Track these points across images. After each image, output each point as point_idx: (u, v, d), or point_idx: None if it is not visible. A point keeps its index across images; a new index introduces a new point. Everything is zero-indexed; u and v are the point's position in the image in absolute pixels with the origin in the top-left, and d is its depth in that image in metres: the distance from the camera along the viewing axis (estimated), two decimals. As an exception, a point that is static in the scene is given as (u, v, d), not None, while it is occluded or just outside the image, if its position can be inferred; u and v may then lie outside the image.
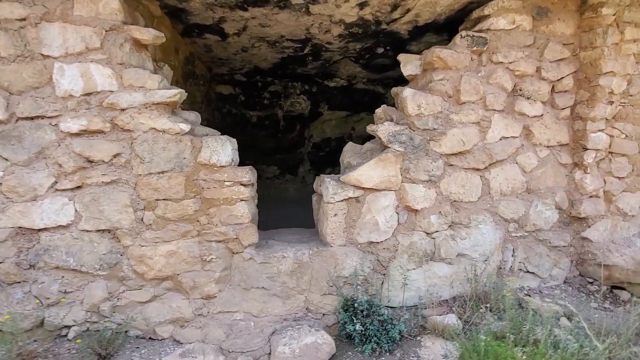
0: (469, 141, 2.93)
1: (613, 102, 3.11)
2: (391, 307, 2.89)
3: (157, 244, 2.49)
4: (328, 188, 2.71)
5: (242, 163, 2.67)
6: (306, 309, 2.72)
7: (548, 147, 3.18)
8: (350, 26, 3.64)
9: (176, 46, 3.64)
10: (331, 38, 3.92)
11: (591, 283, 3.27)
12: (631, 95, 3.17)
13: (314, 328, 2.55)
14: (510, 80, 3.01)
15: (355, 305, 2.57)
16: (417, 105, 2.81)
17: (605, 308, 2.95)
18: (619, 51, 3.06)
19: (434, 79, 2.89)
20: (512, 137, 3.06)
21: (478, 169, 3.01)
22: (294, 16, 3.35)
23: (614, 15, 3.01)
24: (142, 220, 2.46)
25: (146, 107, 2.38)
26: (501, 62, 2.97)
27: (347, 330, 2.52)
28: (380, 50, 4.37)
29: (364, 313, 2.56)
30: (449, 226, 2.98)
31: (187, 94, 2.66)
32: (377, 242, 2.83)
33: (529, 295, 3.00)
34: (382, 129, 2.79)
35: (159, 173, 2.43)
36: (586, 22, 3.09)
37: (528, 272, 3.21)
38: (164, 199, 2.45)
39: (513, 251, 3.17)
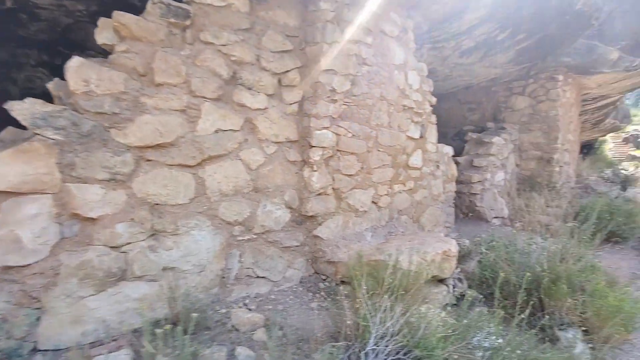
0: (171, 132, 2.44)
1: (337, 100, 3.15)
2: (54, 351, 2.14)
3: None
4: None
5: None
6: None
7: (276, 143, 3.00)
8: (43, -27, 2.70)
9: None
10: (26, -13, 2.89)
11: (324, 280, 3.29)
12: (355, 96, 3.30)
13: None
14: (226, 66, 2.66)
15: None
16: (85, 81, 2.14)
17: (323, 307, 2.93)
18: (341, 50, 3.10)
19: (116, 50, 2.27)
20: (232, 130, 2.73)
21: (188, 166, 2.55)
22: None
23: (333, 12, 3.02)
24: None
25: None
26: (212, 43, 2.59)
27: None
28: (123, 19, 3.55)
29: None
30: (150, 236, 2.43)
31: None
32: (22, 266, 2.03)
33: (246, 306, 2.73)
34: (21, 109, 1.99)
35: None
36: (310, 15, 3.03)
37: (258, 277, 2.97)
38: None
39: (240, 257, 2.87)
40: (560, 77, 6.53)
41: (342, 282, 3.28)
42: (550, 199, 5.97)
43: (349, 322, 2.04)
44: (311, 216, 3.16)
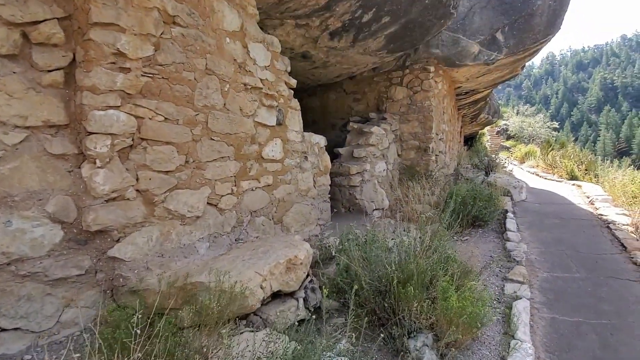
0: None
1: (130, 69, 2.30)
2: None
3: None
4: None
5: None
6: None
7: (26, 128, 2.03)
8: None
9: None
10: None
11: (132, 316, 2.43)
12: (163, 65, 2.49)
13: None
14: None
15: None
16: None
17: None
18: (131, 1, 2.26)
19: None
20: None
21: None
22: None
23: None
24: None
25: None
26: None
27: None
28: None
29: None
30: None
31: None
32: None
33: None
34: None
35: None
36: (73, -55, 2.11)
37: (4, 330, 1.98)
38: None
39: (-43, 306, 1.84)
40: (432, 69, 6.70)
41: (158, 316, 2.48)
42: (427, 187, 6.03)
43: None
44: (100, 231, 2.26)
